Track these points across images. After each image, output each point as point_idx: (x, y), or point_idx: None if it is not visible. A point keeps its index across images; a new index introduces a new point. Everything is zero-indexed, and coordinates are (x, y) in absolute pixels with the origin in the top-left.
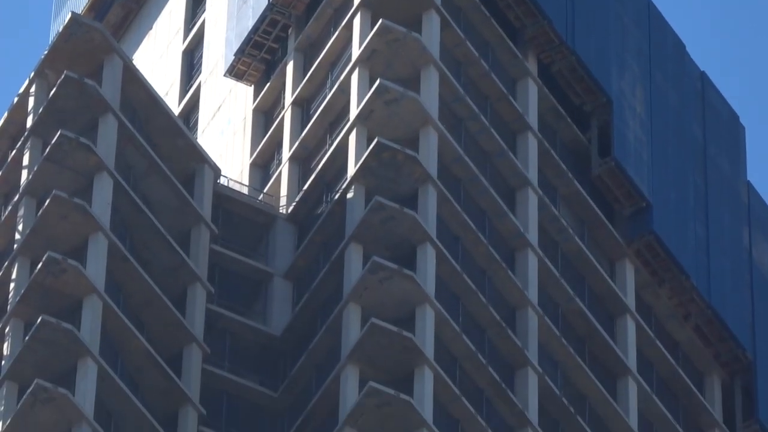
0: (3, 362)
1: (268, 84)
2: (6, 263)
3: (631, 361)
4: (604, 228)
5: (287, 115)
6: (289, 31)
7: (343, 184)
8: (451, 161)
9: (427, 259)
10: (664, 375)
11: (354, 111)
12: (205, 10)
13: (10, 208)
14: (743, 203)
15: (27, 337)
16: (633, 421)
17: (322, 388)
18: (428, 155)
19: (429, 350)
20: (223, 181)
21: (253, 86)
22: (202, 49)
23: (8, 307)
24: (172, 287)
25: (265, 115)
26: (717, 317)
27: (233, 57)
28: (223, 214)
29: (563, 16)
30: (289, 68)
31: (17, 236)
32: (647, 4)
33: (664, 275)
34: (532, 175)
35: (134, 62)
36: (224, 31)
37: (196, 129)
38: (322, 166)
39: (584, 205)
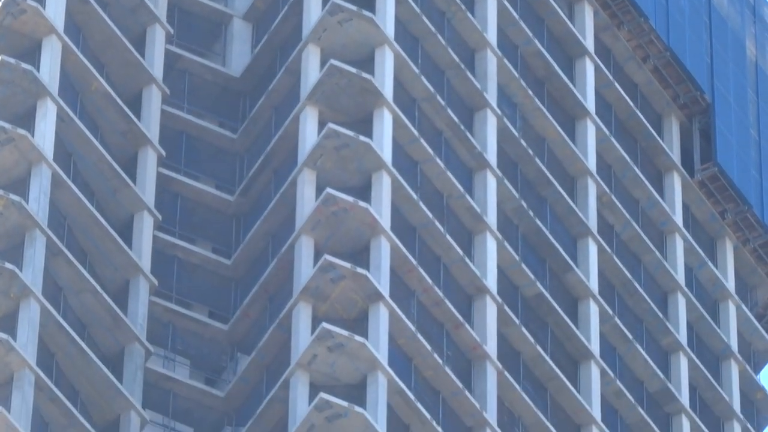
0: None
1: None
2: None
3: (590, 103)
4: None
5: None
6: None
7: None
8: None
9: (387, 1)
10: (622, 117)
11: None
12: None
13: None
14: None
15: None
16: (591, 163)
17: (281, 130)
18: None
19: (388, 92)
20: None
21: None
22: None
23: None
24: (131, 28)
25: None
26: (675, 59)
27: None
28: None
29: None
30: None
31: None
32: None
33: (623, 17)
34: None
35: None
36: None
37: None
38: None
39: None
